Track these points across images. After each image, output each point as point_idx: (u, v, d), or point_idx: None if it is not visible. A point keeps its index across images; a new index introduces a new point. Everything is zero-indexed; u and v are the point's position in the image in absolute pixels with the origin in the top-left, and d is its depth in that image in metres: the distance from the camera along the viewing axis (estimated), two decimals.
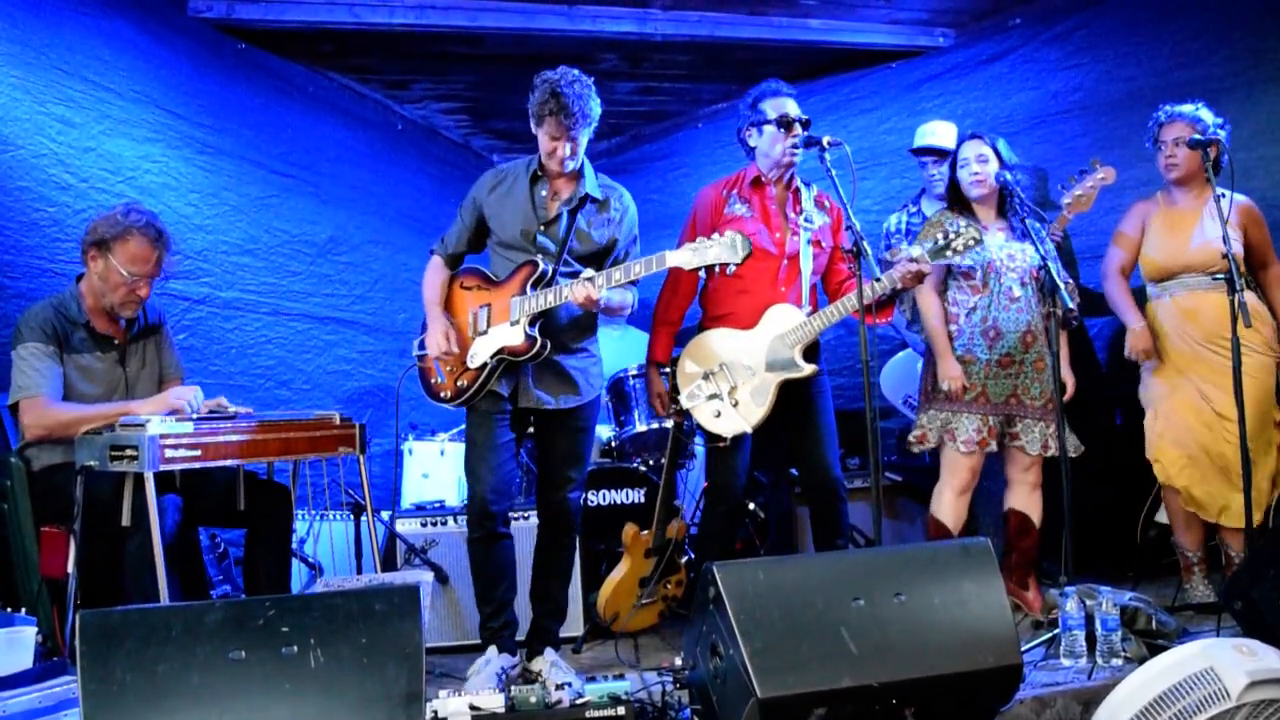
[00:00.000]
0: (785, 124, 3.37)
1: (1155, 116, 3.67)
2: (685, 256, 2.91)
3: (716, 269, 2.90)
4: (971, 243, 3.16)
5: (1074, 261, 4.34)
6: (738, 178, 3.53)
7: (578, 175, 3.17)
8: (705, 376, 3.39)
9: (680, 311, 3.61)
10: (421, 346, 3.24)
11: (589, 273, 3.00)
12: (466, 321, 3.19)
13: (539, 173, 3.17)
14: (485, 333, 3.11)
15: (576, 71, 3.07)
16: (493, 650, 3.13)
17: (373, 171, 5.29)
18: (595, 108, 3.08)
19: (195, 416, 3.06)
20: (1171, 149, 3.58)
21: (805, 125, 3.39)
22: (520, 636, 3.34)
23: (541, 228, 3.13)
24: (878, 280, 3.14)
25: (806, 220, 3.47)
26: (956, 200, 3.66)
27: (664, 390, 3.58)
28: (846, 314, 3.24)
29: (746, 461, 3.47)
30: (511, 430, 3.18)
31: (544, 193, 3.16)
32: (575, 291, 2.95)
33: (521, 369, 3.11)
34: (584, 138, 3.10)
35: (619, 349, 4.69)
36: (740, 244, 2.84)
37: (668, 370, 3.58)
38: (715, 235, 2.88)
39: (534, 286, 3.05)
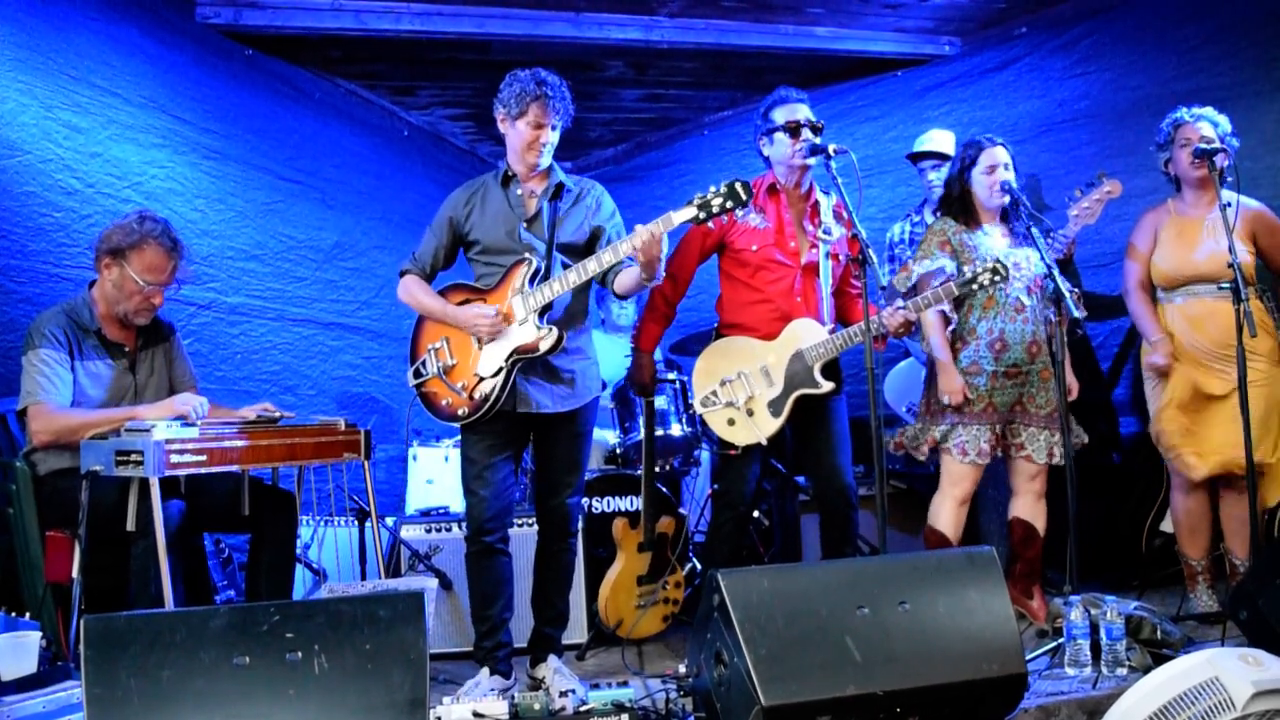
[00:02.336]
0: (794, 129, 3.35)
1: (1174, 118, 3.61)
2: (691, 212, 2.85)
3: (725, 218, 2.97)
4: (999, 279, 3.20)
5: (1077, 271, 4.34)
6: (754, 185, 3.51)
7: (547, 173, 3.19)
8: (722, 383, 3.37)
9: (668, 300, 3.54)
10: (417, 375, 3.18)
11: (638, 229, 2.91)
12: (469, 334, 3.11)
13: (510, 174, 3.19)
14: (493, 340, 3.09)
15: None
16: (484, 672, 3.10)
17: (379, 177, 5.30)
18: (571, 105, 3.12)
19: (199, 420, 3.07)
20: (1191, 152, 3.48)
21: (817, 130, 3.37)
22: (523, 644, 3.34)
23: (524, 224, 3.13)
24: (882, 289, 3.14)
25: (825, 232, 3.45)
26: (965, 208, 3.61)
27: (645, 375, 3.58)
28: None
29: (757, 470, 3.46)
30: (510, 445, 3.14)
31: (519, 192, 3.17)
32: (637, 237, 2.85)
33: (517, 375, 3.08)
34: (557, 135, 3.13)
35: (626, 355, 4.68)
36: (741, 188, 2.82)
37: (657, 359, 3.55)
38: (714, 187, 2.84)
39: (531, 282, 3.03)
